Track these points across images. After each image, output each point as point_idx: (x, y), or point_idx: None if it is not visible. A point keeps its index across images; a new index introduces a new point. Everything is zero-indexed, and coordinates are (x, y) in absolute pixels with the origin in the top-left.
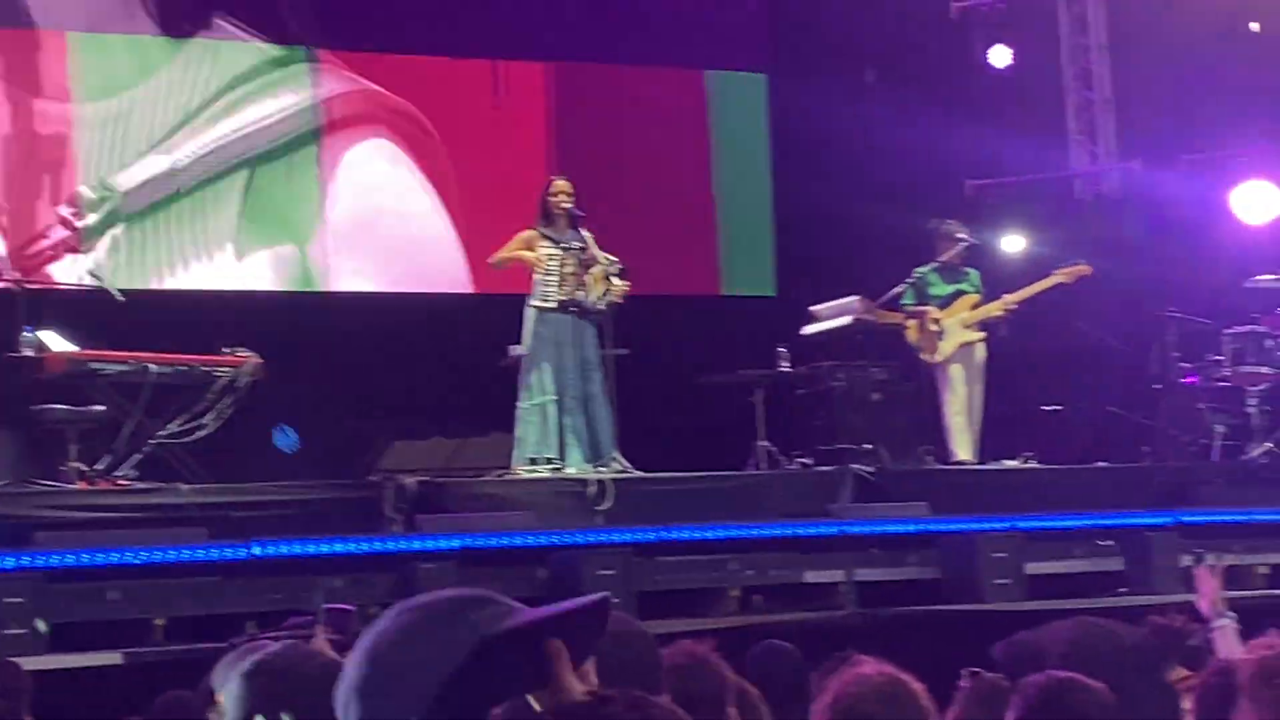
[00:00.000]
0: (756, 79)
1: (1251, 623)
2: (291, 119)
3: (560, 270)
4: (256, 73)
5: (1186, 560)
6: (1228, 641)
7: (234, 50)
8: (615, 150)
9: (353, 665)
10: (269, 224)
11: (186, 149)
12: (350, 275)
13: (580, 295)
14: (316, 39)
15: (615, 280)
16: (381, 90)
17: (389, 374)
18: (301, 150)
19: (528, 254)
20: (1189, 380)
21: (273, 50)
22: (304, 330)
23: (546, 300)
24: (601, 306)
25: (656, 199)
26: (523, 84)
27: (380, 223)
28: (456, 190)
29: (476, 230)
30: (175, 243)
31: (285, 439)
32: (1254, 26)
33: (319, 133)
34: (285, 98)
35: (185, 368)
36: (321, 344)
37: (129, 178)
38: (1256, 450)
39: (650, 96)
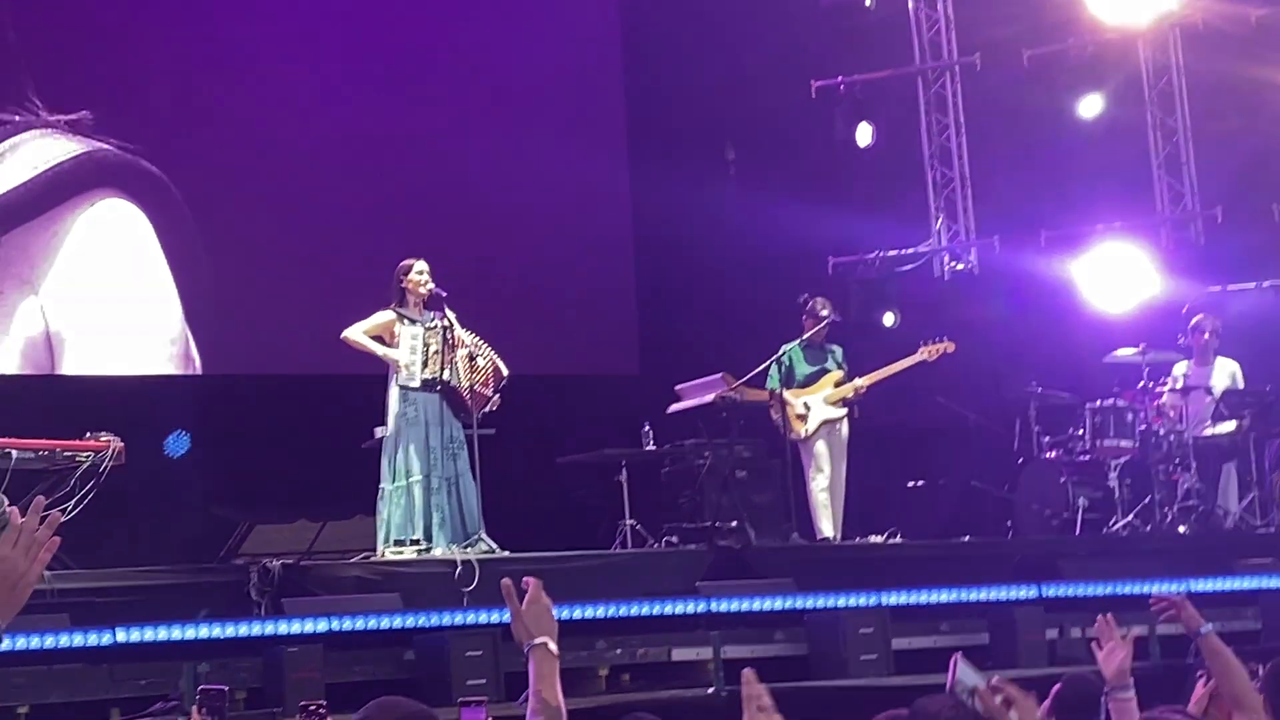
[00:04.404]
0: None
1: None
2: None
3: (425, 350)
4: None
5: (1051, 633)
6: (1127, 715)
7: None
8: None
9: None
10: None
11: None
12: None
13: (446, 375)
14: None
15: (485, 390)
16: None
17: (250, 457)
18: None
19: (387, 351)
20: (1051, 455)
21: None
22: (163, 414)
23: (411, 380)
24: (467, 397)
25: (521, 278)
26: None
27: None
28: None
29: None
30: None
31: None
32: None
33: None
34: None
35: (47, 453)
36: (180, 427)
37: None
38: (1118, 523)
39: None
